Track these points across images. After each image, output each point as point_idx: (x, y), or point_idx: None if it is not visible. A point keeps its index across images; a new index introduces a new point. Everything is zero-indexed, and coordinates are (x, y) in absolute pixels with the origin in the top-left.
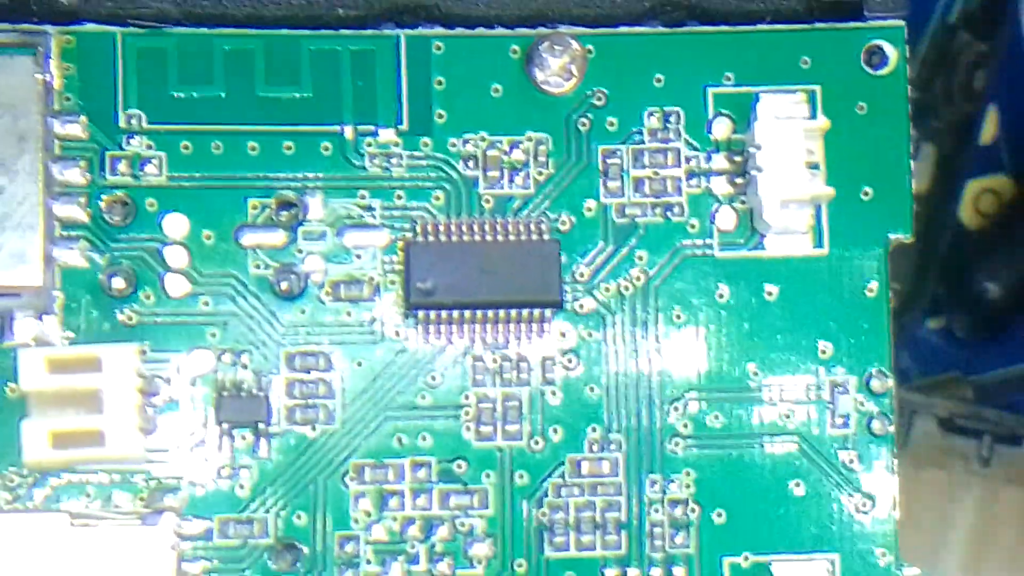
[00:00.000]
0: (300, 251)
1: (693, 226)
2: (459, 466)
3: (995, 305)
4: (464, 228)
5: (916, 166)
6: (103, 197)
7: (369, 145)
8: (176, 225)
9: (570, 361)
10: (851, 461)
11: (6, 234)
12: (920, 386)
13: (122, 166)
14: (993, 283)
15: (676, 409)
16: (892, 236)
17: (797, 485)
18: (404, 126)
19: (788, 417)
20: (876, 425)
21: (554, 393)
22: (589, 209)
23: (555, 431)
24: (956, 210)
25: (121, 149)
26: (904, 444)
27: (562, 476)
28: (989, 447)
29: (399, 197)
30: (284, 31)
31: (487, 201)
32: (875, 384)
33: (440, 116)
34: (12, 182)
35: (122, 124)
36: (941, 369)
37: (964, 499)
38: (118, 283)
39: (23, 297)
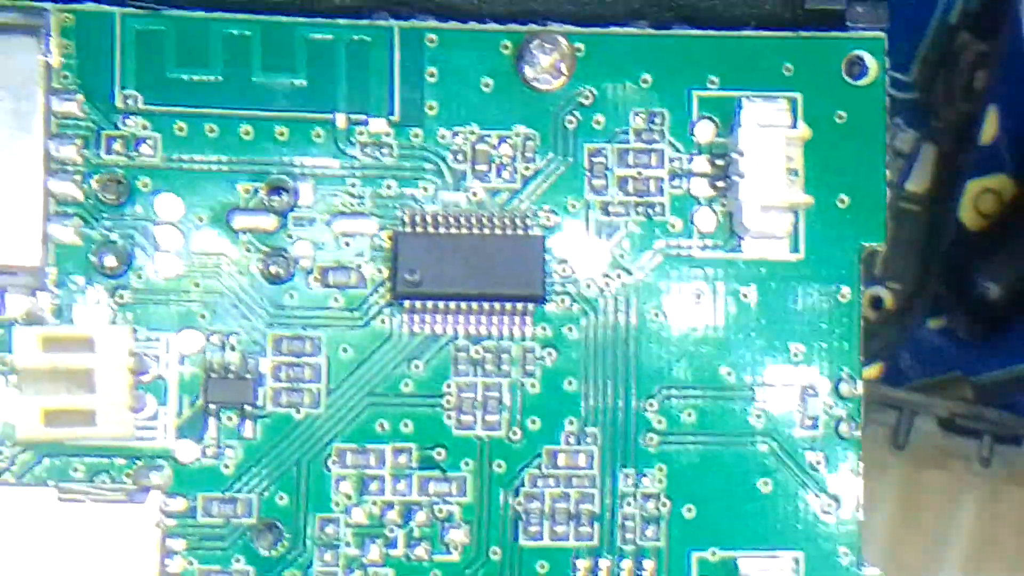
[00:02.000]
0: (290, 236)
1: (674, 226)
2: (439, 453)
3: (995, 305)
4: (452, 220)
5: (916, 166)
6: (97, 176)
7: (361, 134)
8: (169, 205)
9: (550, 354)
10: (818, 462)
11: (5, 213)
12: (920, 386)
13: (117, 145)
14: (993, 283)
15: (651, 405)
16: (865, 244)
17: (765, 484)
18: (396, 116)
19: (759, 417)
20: (844, 428)
21: (533, 385)
22: (573, 205)
23: (533, 422)
24: (956, 210)
25: (117, 129)
26: (904, 444)
27: (539, 467)
28: (990, 447)
29: (389, 187)
30: (281, 18)
31: (475, 194)
32: (844, 388)
33: (431, 108)
34: (11, 163)
35: (119, 104)
36: (942, 369)
37: (965, 499)
38: (110, 261)
39: (19, 276)
